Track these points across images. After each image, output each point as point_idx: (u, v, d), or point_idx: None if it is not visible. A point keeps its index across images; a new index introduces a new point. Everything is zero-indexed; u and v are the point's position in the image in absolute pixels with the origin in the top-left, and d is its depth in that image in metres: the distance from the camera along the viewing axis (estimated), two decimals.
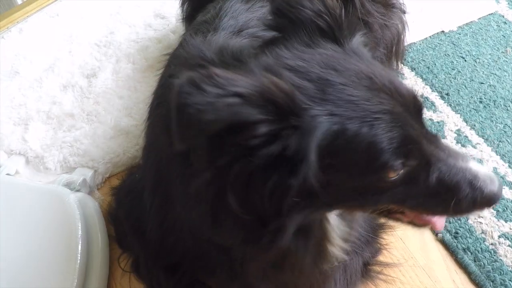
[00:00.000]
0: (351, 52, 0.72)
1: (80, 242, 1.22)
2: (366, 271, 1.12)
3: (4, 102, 1.71)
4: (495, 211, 1.23)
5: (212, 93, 0.54)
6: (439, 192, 0.75)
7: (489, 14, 1.74)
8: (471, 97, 1.49)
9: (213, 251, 0.90)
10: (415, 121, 0.70)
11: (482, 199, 0.77)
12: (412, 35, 1.66)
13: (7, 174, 1.51)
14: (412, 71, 1.57)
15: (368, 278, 1.12)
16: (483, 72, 1.55)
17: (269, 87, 0.58)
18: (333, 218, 0.85)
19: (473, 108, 1.46)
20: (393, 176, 0.69)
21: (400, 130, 0.67)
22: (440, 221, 0.87)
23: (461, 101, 1.48)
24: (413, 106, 0.71)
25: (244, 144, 0.59)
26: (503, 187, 1.28)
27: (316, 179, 0.63)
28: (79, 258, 1.19)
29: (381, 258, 1.16)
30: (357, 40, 0.75)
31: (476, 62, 1.58)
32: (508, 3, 1.77)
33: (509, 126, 1.41)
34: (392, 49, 1.24)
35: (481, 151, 1.36)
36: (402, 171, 0.69)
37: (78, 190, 1.41)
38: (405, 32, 1.29)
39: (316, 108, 0.62)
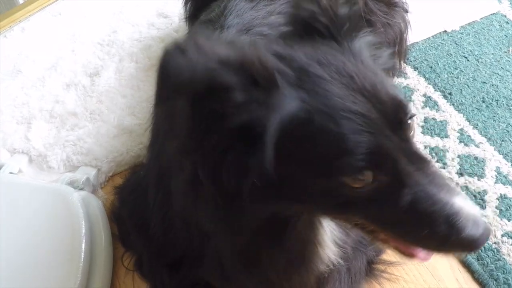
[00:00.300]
0: (347, 51, 0.70)
1: (84, 241, 1.22)
2: (370, 269, 1.12)
3: (6, 101, 1.71)
4: (498, 210, 1.24)
5: (195, 56, 0.56)
6: (411, 220, 0.69)
7: (491, 14, 1.74)
8: (474, 96, 1.49)
9: (202, 241, 0.89)
10: (393, 133, 0.65)
11: (458, 240, 0.69)
12: (415, 34, 1.67)
13: (10, 173, 1.51)
14: (415, 70, 1.57)
15: (372, 276, 1.13)
16: (486, 71, 1.56)
17: (251, 59, 0.59)
18: (327, 222, 0.83)
19: (475, 108, 1.46)
20: (358, 186, 0.65)
21: (370, 137, 0.63)
22: (425, 255, 0.79)
23: (464, 101, 1.48)
24: (393, 116, 0.66)
25: (218, 110, 0.59)
26: (506, 186, 1.28)
27: (272, 164, 0.62)
28: (82, 256, 1.20)
29: (385, 256, 1.16)
30: (362, 40, 0.73)
31: (478, 61, 1.59)
32: (511, 3, 1.78)
33: (511, 126, 1.41)
34: (395, 49, 1.24)
35: (484, 150, 1.36)
36: (370, 184, 0.65)
37: (81, 189, 1.41)
38: (407, 31, 1.29)
39: (290, 91, 0.62)
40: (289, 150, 0.64)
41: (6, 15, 2.01)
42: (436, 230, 0.69)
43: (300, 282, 0.92)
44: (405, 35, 1.28)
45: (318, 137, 0.63)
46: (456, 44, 1.64)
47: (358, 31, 0.72)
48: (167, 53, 0.57)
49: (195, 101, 0.58)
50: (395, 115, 0.66)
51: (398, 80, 1.55)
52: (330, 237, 0.86)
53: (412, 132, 0.70)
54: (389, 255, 1.17)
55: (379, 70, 0.71)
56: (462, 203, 0.68)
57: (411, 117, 0.70)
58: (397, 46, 1.24)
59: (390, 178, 0.66)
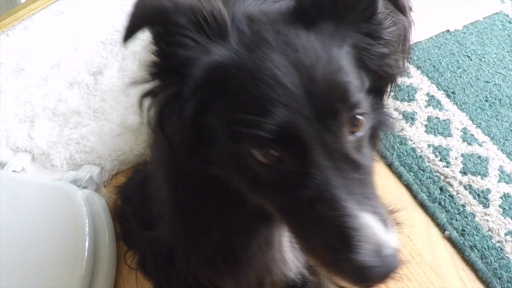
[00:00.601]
0: (319, 31, 0.67)
1: (87, 239, 1.22)
2: None
3: (9, 99, 1.71)
4: (501, 209, 1.24)
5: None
6: (308, 221, 0.64)
7: (493, 14, 1.74)
8: (477, 95, 1.49)
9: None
10: (318, 119, 0.61)
11: (348, 262, 0.60)
12: (418, 34, 1.66)
13: (13, 171, 1.51)
14: (418, 69, 1.58)
15: None
16: (489, 71, 1.56)
17: (202, 8, 0.64)
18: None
19: (479, 107, 1.46)
20: (265, 162, 0.63)
21: (286, 112, 0.60)
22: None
23: (467, 100, 1.48)
24: (325, 102, 0.62)
25: (166, 48, 0.67)
26: (509, 185, 1.28)
27: (194, 107, 0.65)
28: (86, 255, 1.19)
29: None
30: (330, 24, 0.68)
31: (481, 61, 1.59)
32: None
33: None
34: (399, 47, 1.24)
35: (487, 149, 1.36)
36: (276, 164, 0.63)
37: (84, 187, 1.41)
38: (411, 30, 1.29)
39: (236, 45, 0.65)
40: (211, 98, 0.65)
41: (8, 14, 2.01)
42: (328, 241, 0.62)
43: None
44: (408, 34, 1.27)
45: (236, 95, 0.63)
46: (459, 43, 1.64)
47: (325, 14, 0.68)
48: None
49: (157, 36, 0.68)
50: (328, 101, 0.62)
51: (401, 80, 1.56)
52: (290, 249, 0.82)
53: (354, 129, 0.66)
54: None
55: (343, 59, 0.67)
56: (371, 223, 0.61)
57: (357, 113, 0.65)
58: (401, 45, 1.24)
59: (297, 165, 0.63)
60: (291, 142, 0.62)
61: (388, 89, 0.80)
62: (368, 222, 0.60)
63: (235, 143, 0.65)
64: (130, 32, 0.69)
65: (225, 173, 0.71)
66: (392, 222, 0.64)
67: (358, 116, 0.66)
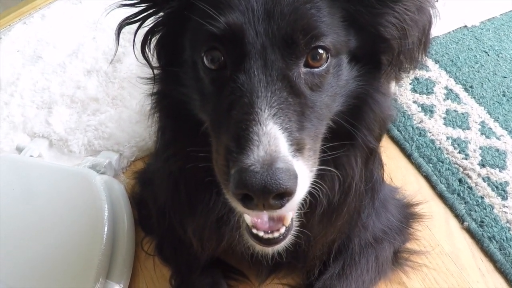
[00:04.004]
0: None
1: (106, 224, 1.22)
2: (397, 259, 1.13)
3: (27, 85, 1.72)
4: None
5: None
6: (224, 121, 0.67)
7: (510, 11, 1.75)
8: (494, 90, 1.50)
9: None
10: (270, 38, 0.65)
11: (235, 162, 0.60)
12: (436, 29, 1.68)
13: (30, 156, 1.52)
14: (436, 63, 1.58)
15: (398, 265, 1.13)
16: (506, 66, 1.57)
17: None
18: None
19: (496, 101, 1.47)
20: (210, 66, 0.70)
21: (238, 16, 0.65)
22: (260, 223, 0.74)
23: (484, 94, 1.49)
24: (285, 28, 0.65)
25: None
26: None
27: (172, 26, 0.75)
28: (104, 239, 1.20)
29: (409, 245, 1.17)
30: None
31: (498, 56, 1.60)
32: None
33: None
34: (422, 38, 1.24)
35: (505, 143, 1.37)
36: (219, 66, 0.69)
37: (103, 173, 1.41)
38: (434, 22, 1.29)
39: None
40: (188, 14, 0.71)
41: (26, 2, 2.02)
42: (228, 144, 0.64)
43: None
44: (431, 25, 1.28)
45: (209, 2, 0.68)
46: (477, 39, 1.65)
47: None
48: None
49: None
50: (287, 28, 0.65)
51: (419, 73, 1.57)
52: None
53: (312, 63, 0.67)
54: (413, 244, 1.18)
55: (318, 3, 0.69)
56: (275, 134, 0.60)
57: (318, 46, 0.67)
58: (423, 36, 1.25)
59: (234, 70, 0.66)
60: (234, 44, 0.66)
61: (385, 61, 0.78)
62: (272, 132, 0.60)
63: (193, 51, 0.72)
64: None
65: (188, 91, 0.77)
66: (305, 157, 0.64)
67: (319, 50, 0.68)
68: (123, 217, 1.30)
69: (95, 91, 1.62)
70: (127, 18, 0.82)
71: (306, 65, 0.69)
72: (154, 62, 0.87)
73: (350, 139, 0.80)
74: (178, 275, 1.12)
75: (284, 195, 0.61)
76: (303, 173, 0.64)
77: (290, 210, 0.73)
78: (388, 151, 1.38)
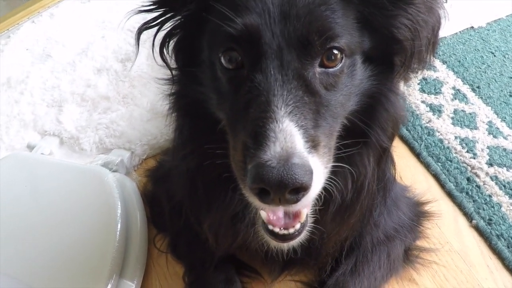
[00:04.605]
0: None
1: (119, 221, 1.23)
2: (408, 256, 1.15)
3: (36, 84, 1.73)
4: None
5: None
6: (241, 119, 0.69)
7: None
8: (501, 90, 1.52)
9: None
10: (286, 39, 0.66)
11: (250, 160, 0.63)
12: (443, 29, 1.69)
13: (41, 154, 1.53)
14: (444, 64, 1.60)
15: (409, 263, 1.15)
16: None
17: None
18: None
19: (503, 101, 1.49)
20: (228, 65, 0.72)
21: (255, 18, 0.67)
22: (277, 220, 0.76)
23: (491, 94, 1.51)
24: (301, 29, 0.67)
25: None
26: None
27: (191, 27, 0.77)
28: (117, 236, 1.21)
29: (419, 243, 1.19)
30: None
31: (505, 57, 1.62)
32: None
33: None
34: (431, 39, 1.25)
35: None
36: (237, 66, 0.70)
37: (115, 171, 1.42)
38: (443, 22, 1.30)
39: None
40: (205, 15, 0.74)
41: (34, 1, 2.03)
42: (245, 140, 0.66)
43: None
44: (440, 26, 1.29)
45: (226, 4, 0.70)
46: (483, 40, 1.67)
47: None
48: None
49: None
50: (303, 29, 0.67)
51: (427, 73, 1.58)
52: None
53: (328, 63, 0.69)
54: (423, 241, 1.20)
55: (333, 4, 0.70)
56: (291, 131, 0.62)
57: (333, 47, 0.69)
58: (432, 37, 1.26)
59: (251, 70, 0.68)
60: (252, 45, 0.68)
61: (398, 62, 0.80)
62: (288, 129, 0.62)
63: (211, 51, 0.74)
64: None
65: (205, 90, 0.79)
66: (321, 156, 0.66)
67: (334, 50, 0.70)
68: (136, 215, 1.31)
69: (106, 90, 1.63)
70: (146, 23, 0.84)
71: (321, 65, 0.71)
72: (172, 63, 0.88)
73: (364, 138, 0.81)
74: (191, 272, 1.14)
75: (300, 189, 0.63)
76: (318, 169, 0.66)
77: (305, 206, 0.74)
78: (397, 150, 1.40)
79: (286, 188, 0.61)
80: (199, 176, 0.90)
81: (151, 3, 0.80)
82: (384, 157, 0.88)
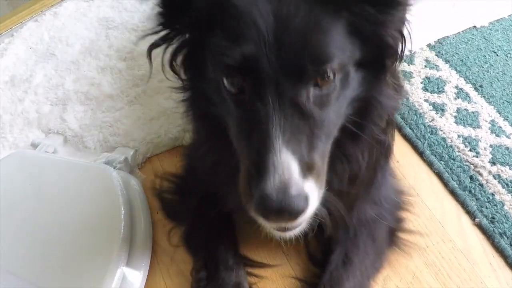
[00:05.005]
0: None
1: (124, 220, 1.23)
2: (394, 239, 1.17)
3: (41, 82, 1.74)
4: None
5: None
6: (245, 147, 0.75)
7: None
8: (504, 89, 1.53)
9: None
10: (281, 66, 0.69)
11: (255, 190, 0.70)
12: (446, 29, 1.71)
13: (46, 152, 1.54)
14: (447, 63, 1.61)
15: (395, 245, 1.18)
16: None
17: None
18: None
19: (506, 100, 1.50)
20: (230, 89, 0.75)
21: (252, 48, 0.69)
22: None
23: (494, 93, 1.52)
24: (295, 56, 0.69)
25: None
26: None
27: (192, 43, 0.81)
28: (122, 234, 1.21)
29: (420, 239, 1.21)
30: None
31: (507, 57, 1.62)
32: None
33: None
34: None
35: None
36: (238, 91, 0.74)
37: (119, 169, 1.43)
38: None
39: None
40: (207, 31, 0.77)
41: (37, 0, 2.03)
42: (249, 168, 0.72)
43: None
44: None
45: (223, 27, 0.74)
46: (486, 39, 1.68)
47: None
48: None
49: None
50: (297, 56, 0.70)
51: (430, 72, 1.59)
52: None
53: (321, 83, 0.72)
54: (425, 238, 1.21)
55: (329, 19, 0.72)
56: (288, 162, 0.68)
57: (326, 71, 0.71)
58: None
59: (252, 97, 0.73)
60: (251, 74, 0.72)
61: (390, 63, 0.82)
62: (285, 161, 0.69)
63: (215, 72, 0.78)
64: None
65: (213, 102, 0.84)
66: (316, 179, 0.73)
67: (328, 73, 0.73)
68: (140, 213, 1.32)
69: (110, 88, 1.64)
70: (155, 43, 0.88)
71: (315, 84, 0.74)
72: (182, 74, 0.92)
73: (357, 135, 0.86)
74: (202, 268, 1.14)
75: (297, 215, 0.71)
76: (314, 192, 0.73)
77: (303, 222, 0.80)
78: (400, 149, 1.41)
79: (285, 217, 0.70)
80: (219, 168, 0.99)
81: (157, 26, 0.85)
82: (380, 148, 0.94)
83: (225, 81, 0.75)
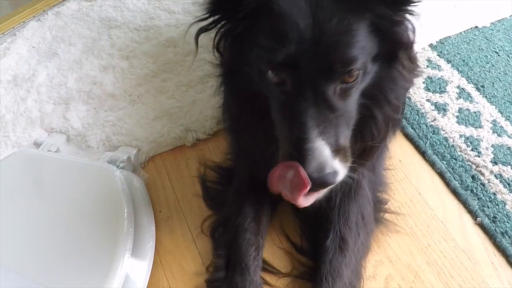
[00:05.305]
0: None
1: (127, 219, 1.23)
2: (379, 216, 1.23)
3: (43, 81, 1.74)
4: None
5: None
6: (285, 130, 0.90)
7: None
8: (505, 90, 1.53)
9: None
10: (316, 65, 0.83)
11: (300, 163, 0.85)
12: (448, 29, 1.72)
13: (49, 151, 1.54)
14: (448, 63, 1.61)
15: (381, 224, 1.23)
16: None
17: None
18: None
19: (507, 100, 1.50)
20: (273, 80, 0.88)
21: (295, 48, 0.82)
22: (303, 199, 0.91)
23: (496, 93, 1.52)
24: (328, 56, 0.83)
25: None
26: None
27: (241, 28, 0.90)
28: (125, 233, 1.20)
29: (421, 238, 1.22)
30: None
31: (509, 57, 1.63)
32: None
33: None
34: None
35: None
36: (281, 83, 0.87)
37: (122, 168, 1.43)
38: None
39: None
40: (255, 23, 0.89)
41: None
42: (291, 152, 0.88)
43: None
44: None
45: (270, 27, 0.86)
46: (487, 39, 1.68)
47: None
48: None
49: None
50: (329, 56, 0.84)
51: (432, 72, 1.60)
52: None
53: (347, 80, 0.86)
54: (426, 237, 1.22)
55: (357, 23, 0.85)
56: (322, 148, 0.85)
57: (352, 69, 0.85)
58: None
59: (292, 90, 0.87)
60: (292, 70, 0.85)
61: (402, 55, 0.95)
62: (319, 147, 0.86)
63: (259, 63, 0.90)
64: None
65: (256, 83, 0.95)
66: (343, 157, 0.90)
67: (353, 72, 0.87)
68: (143, 212, 1.32)
69: (112, 87, 1.64)
70: (203, 27, 0.98)
71: (341, 81, 0.88)
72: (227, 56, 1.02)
73: (371, 113, 0.99)
74: (222, 267, 1.15)
75: (329, 186, 0.91)
76: (341, 168, 0.90)
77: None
78: (402, 148, 1.41)
79: (320, 190, 0.90)
80: (254, 145, 1.12)
81: (206, 12, 0.94)
82: (392, 125, 1.06)
83: (269, 73, 0.88)
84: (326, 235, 1.15)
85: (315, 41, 0.83)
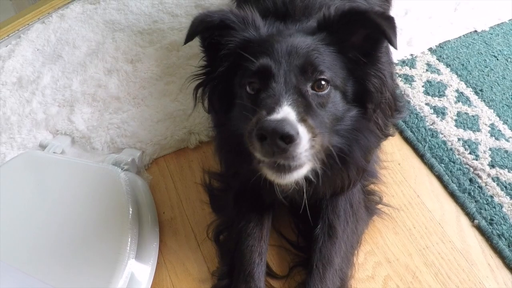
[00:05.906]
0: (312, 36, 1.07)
1: (131, 220, 1.26)
2: (369, 204, 1.27)
3: (48, 84, 1.77)
4: None
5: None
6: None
7: None
8: (504, 93, 1.55)
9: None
10: (289, 67, 0.99)
11: (262, 122, 0.91)
12: (447, 33, 1.74)
13: (54, 153, 1.56)
14: (448, 67, 1.64)
15: (371, 212, 1.27)
16: None
17: (246, 15, 1.10)
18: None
19: (505, 104, 1.52)
20: (250, 91, 1.03)
21: (268, 60, 1.00)
22: None
23: (494, 97, 1.54)
24: (299, 63, 0.99)
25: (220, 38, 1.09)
26: None
27: (225, 76, 1.09)
28: (129, 234, 1.24)
29: (420, 239, 1.24)
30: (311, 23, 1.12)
31: (507, 61, 1.65)
32: None
33: None
34: (389, 101, 1.22)
35: None
36: (257, 89, 1.01)
37: (126, 170, 1.46)
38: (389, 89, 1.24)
39: (260, 32, 1.09)
40: (237, 63, 1.07)
41: (44, 2, 2.06)
42: (261, 114, 0.94)
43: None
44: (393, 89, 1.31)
45: (249, 53, 1.03)
46: (486, 43, 1.70)
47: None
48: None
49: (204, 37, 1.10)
50: (300, 63, 1.00)
51: (431, 76, 1.62)
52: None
53: (317, 89, 1.00)
54: (424, 239, 1.25)
55: (327, 53, 1.03)
56: (286, 111, 0.92)
57: (320, 78, 1.00)
58: (392, 97, 1.26)
59: (265, 91, 0.99)
60: (265, 74, 1.00)
61: (370, 108, 1.07)
62: (286, 109, 0.93)
63: (240, 88, 1.05)
64: (189, 38, 1.09)
65: (238, 125, 1.07)
66: (307, 127, 0.94)
67: (321, 81, 1.01)
68: (147, 213, 1.35)
69: (116, 90, 1.67)
70: (199, 84, 1.17)
71: (313, 89, 1.02)
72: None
73: (344, 160, 1.08)
74: (225, 275, 1.18)
75: (289, 140, 0.90)
76: (303, 132, 0.93)
77: (296, 157, 0.96)
78: (401, 151, 1.44)
79: (277, 134, 0.89)
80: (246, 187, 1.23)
81: (200, 69, 1.16)
82: (359, 172, 1.15)
83: (247, 88, 1.03)
84: (316, 224, 1.19)
85: (288, 53, 1.01)
